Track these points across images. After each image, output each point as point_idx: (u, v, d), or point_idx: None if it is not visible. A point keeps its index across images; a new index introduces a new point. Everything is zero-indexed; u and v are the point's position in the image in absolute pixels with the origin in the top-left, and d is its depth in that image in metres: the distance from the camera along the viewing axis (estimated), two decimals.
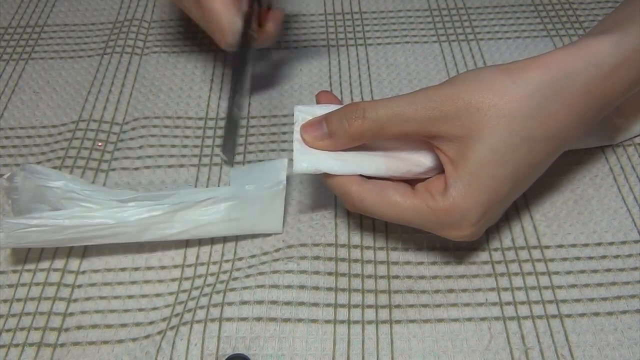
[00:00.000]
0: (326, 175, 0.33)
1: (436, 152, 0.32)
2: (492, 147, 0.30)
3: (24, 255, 0.37)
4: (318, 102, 0.36)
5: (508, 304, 0.34)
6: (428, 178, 0.33)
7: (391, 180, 0.33)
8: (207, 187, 0.41)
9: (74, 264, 0.37)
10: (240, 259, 0.37)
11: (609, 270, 0.35)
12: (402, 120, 0.30)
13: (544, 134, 0.30)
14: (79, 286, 0.36)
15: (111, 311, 0.35)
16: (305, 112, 0.34)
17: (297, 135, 0.33)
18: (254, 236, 0.38)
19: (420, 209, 0.31)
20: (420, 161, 0.33)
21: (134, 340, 0.33)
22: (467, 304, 0.34)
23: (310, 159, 0.33)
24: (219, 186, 0.41)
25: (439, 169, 0.33)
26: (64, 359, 0.33)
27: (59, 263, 0.37)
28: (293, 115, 0.45)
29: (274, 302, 0.34)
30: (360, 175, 0.33)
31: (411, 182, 0.34)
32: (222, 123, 0.45)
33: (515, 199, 0.33)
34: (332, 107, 0.34)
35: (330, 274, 0.36)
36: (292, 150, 0.42)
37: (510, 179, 0.31)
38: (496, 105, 0.30)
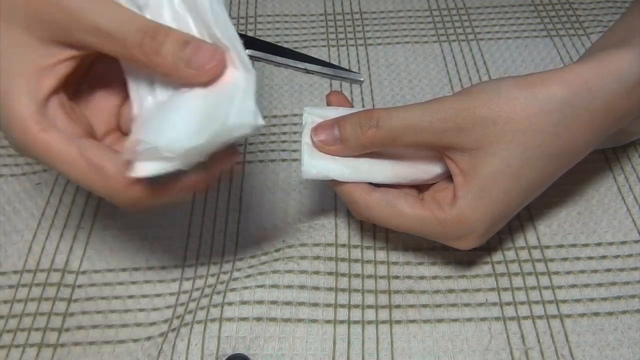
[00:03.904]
0: (334, 182, 0.32)
1: (446, 161, 0.31)
2: (506, 162, 0.29)
3: (24, 256, 0.37)
4: (329, 103, 0.35)
5: (508, 304, 0.34)
6: (434, 183, 0.33)
7: (399, 186, 0.33)
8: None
9: (74, 264, 0.37)
10: (241, 259, 0.37)
11: (609, 270, 0.35)
12: (416, 131, 0.30)
13: (560, 150, 0.30)
14: (80, 286, 0.36)
15: (112, 311, 0.35)
16: (315, 115, 0.33)
17: (306, 139, 0.32)
18: (254, 236, 0.38)
19: (428, 220, 0.31)
20: (429, 168, 0.33)
21: (135, 340, 0.34)
22: (467, 304, 0.34)
23: (320, 165, 0.32)
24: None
25: (447, 175, 0.33)
26: (64, 359, 0.33)
27: (59, 263, 0.37)
28: (293, 115, 0.45)
29: (274, 302, 0.34)
30: (368, 183, 0.32)
31: (417, 185, 0.34)
32: None
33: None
34: (342, 110, 0.33)
35: (330, 274, 0.36)
36: (292, 151, 0.43)
37: (522, 194, 0.31)
38: (513, 120, 0.29)
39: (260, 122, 0.25)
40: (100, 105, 0.30)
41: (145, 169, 0.26)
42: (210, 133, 0.25)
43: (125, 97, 0.30)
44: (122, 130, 0.31)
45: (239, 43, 0.27)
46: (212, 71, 0.26)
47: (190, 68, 0.26)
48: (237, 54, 0.27)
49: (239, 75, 0.27)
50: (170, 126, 0.26)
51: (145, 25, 0.26)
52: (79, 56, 0.27)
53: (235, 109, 0.26)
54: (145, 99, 0.29)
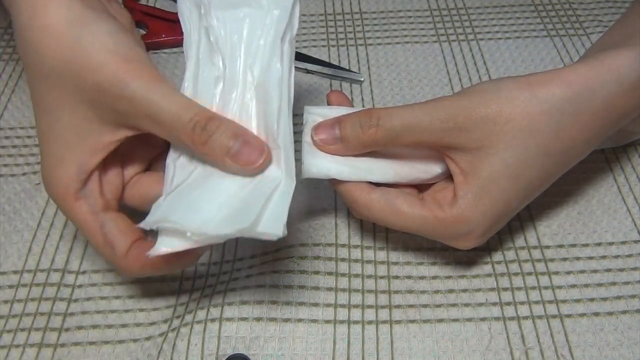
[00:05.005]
0: (334, 182, 0.32)
1: (446, 161, 0.31)
2: (506, 162, 0.29)
3: (24, 256, 0.37)
4: (329, 103, 0.35)
5: (508, 304, 0.34)
6: (434, 183, 0.33)
7: (399, 185, 0.33)
8: None
9: (74, 264, 0.37)
10: (241, 259, 0.37)
11: (609, 270, 0.35)
12: (417, 131, 0.30)
13: (559, 150, 0.30)
14: (80, 286, 0.36)
15: (112, 311, 0.35)
16: (316, 114, 0.33)
17: (306, 138, 0.32)
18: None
19: (427, 220, 0.31)
20: (429, 168, 0.33)
21: (135, 340, 0.34)
22: (467, 304, 0.34)
23: (320, 164, 0.32)
24: None
25: (447, 175, 0.33)
26: (64, 359, 0.33)
27: (59, 263, 0.37)
28: (294, 115, 0.45)
29: (274, 302, 0.34)
30: (368, 182, 0.32)
31: (417, 185, 0.34)
32: None
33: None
34: (342, 109, 0.33)
35: (330, 274, 0.36)
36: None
37: (521, 193, 0.31)
38: (513, 120, 0.29)
39: (285, 233, 0.26)
40: (112, 176, 0.32)
41: (165, 246, 0.27)
42: (237, 229, 0.26)
43: (138, 167, 0.33)
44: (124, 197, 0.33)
45: (291, 150, 0.29)
46: (255, 170, 0.28)
47: (236, 162, 0.28)
48: (287, 157, 0.28)
49: (280, 176, 0.28)
50: (202, 210, 0.27)
51: (197, 114, 0.28)
52: (131, 136, 0.30)
53: (266, 216, 0.27)
54: (183, 169, 0.30)
